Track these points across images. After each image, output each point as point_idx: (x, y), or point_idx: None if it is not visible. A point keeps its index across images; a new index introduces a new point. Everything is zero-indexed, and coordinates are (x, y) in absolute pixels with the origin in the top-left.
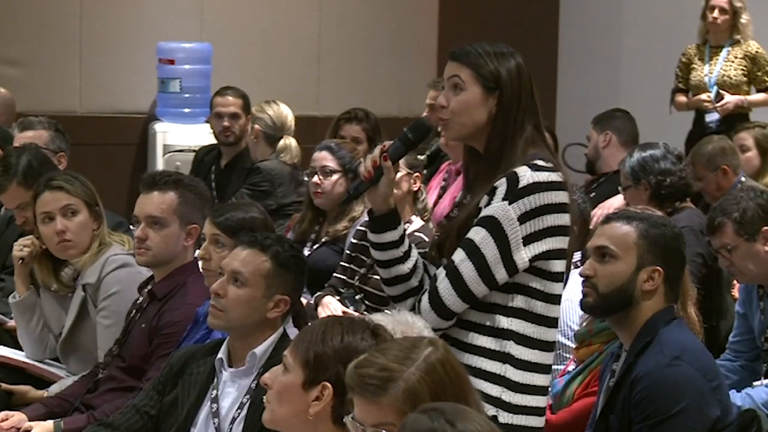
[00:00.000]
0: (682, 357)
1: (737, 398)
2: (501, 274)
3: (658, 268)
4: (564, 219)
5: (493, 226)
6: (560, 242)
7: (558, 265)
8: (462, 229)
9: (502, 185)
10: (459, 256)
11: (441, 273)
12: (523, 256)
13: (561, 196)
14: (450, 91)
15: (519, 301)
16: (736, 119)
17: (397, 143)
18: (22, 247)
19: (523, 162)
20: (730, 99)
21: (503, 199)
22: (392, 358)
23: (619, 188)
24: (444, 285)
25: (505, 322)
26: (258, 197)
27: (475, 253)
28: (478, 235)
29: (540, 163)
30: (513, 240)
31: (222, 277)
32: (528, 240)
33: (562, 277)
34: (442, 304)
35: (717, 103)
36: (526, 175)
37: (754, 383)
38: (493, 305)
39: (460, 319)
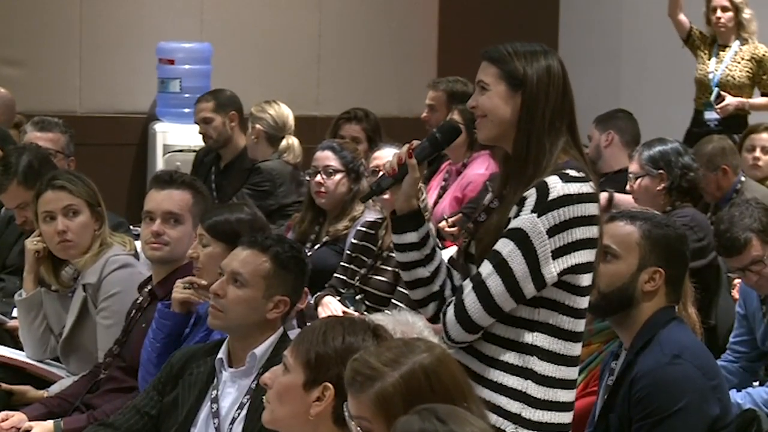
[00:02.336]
0: (682, 356)
1: (737, 397)
2: (529, 289)
3: (660, 269)
4: (593, 231)
5: (522, 239)
6: (588, 255)
7: (586, 279)
8: (493, 237)
9: (531, 196)
10: (486, 269)
11: (467, 285)
12: (551, 270)
13: (591, 209)
14: (478, 92)
15: (544, 315)
16: (734, 121)
17: (425, 143)
18: (36, 241)
19: (553, 170)
20: (731, 101)
21: (532, 211)
22: (383, 358)
23: (630, 175)
24: (470, 298)
25: (529, 337)
26: (259, 197)
27: (503, 267)
28: (506, 248)
29: (572, 173)
30: (542, 254)
31: (222, 277)
32: (557, 254)
33: (589, 291)
34: (468, 318)
35: (717, 104)
36: (556, 187)
37: (754, 384)
38: (518, 319)
39: (485, 332)
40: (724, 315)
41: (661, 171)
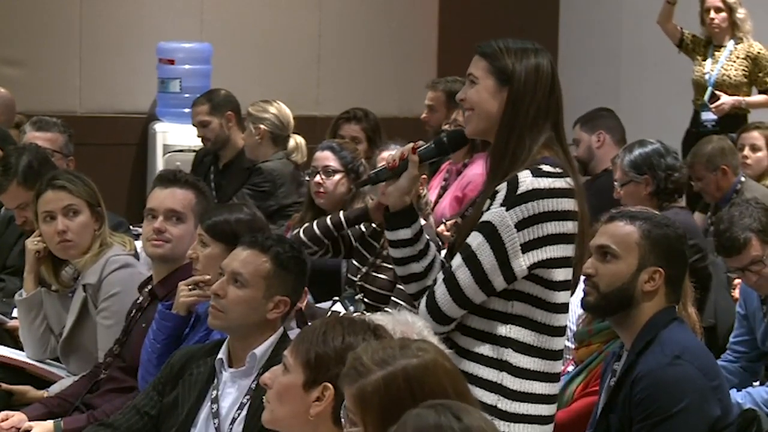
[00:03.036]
0: (683, 356)
1: (738, 397)
2: (498, 282)
3: (660, 269)
4: (567, 227)
5: (490, 232)
6: (562, 250)
7: (560, 274)
8: (469, 230)
9: (502, 190)
10: (456, 261)
11: (440, 277)
12: (521, 263)
13: (564, 203)
14: (468, 86)
15: (518, 308)
16: (733, 120)
17: (431, 144)
18: (36, 241)
19: (528, 165)
20: (726, 100)
21: (501, 205)
22: (375, 357)
23: (615, 183)
24: (441, 290)
25: (503, 329)
26: (259, 198)
27: (471, 260)
28: (475, 240)
29: (545, 168)
30: (510, 247)
31: (222, 277)
32: (527, 247)
33: (566, 286)
34: (437, 309)
35: (711, 103)
36: (526, 181)
37: (754, 383)
38: (492, 311)
39: (461, 324)
40: (724, 315)
41: (645, 176)
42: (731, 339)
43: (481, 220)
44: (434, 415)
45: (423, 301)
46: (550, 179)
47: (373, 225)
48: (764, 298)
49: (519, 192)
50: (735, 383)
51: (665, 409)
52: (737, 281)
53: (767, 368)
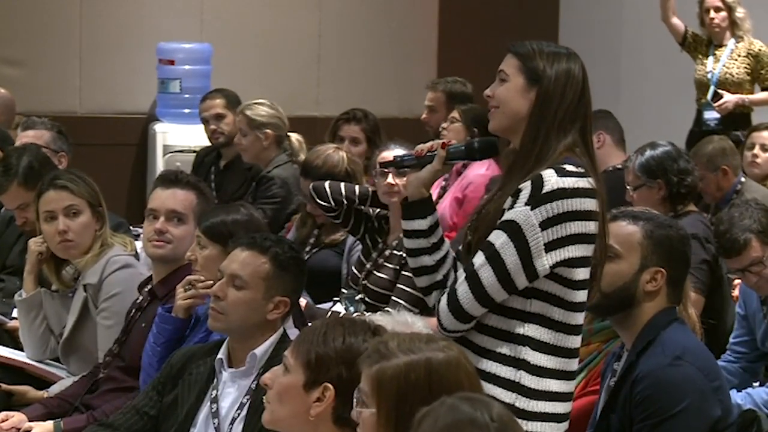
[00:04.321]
0: (684, 357)
1: (737, 398)
2: (521, 281)
3: (661, 269)
4: (589, 227)
5: (514, 231)
6: (584, 250)
7: (581, 273)
8: (488, 227)
9: (526, 188)
10: (479, 260)
11: (461, 275)
12: (544, 262)
13: (587, 204)
14: (497, 83)
15: (536, 306)
16: (737, 118)
17: (461, 146)
18: (40, 242)
19: (550, 165)
20: (729, 98)
21: (526, 204)
22: (402, 345)
23: (628, 187)
24: (463, 289)
25: (521, 327)
26: (276, 209)
27: (495, 258)
28: (498, 239)
29: (568, 167)
30: (534, 246)
31: (221, 279)
32: (550, 246)
33: (585, 285)
34: (460, 308)
35: (715, 102)
36: (551, 180)
37: (754, 384)
38: (510, 309)
39: (478, 323)
40: (725, 316)
41: (658, 180)
42: (731, 339)
43: (504, 218)
44: (470, 408)
45: (444, 299)
46: (573, 178)
47: (378, 223)
48: (764, 299)
49: (544, 191)
50: (735, 384)
51: (666, 410)
52: (737, 281)
53: (767, 369)
